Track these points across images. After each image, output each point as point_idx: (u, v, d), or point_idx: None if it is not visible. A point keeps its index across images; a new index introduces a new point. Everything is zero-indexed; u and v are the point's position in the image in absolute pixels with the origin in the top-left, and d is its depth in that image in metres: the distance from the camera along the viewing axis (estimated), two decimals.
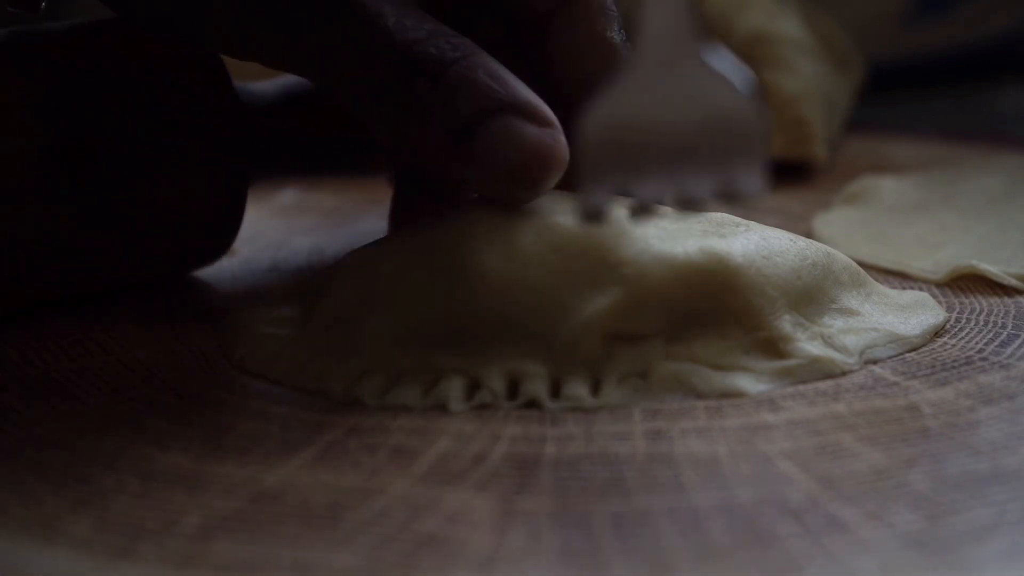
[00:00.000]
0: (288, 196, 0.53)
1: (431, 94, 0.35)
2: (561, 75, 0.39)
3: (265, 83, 0.44)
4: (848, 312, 0.36)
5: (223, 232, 0.41)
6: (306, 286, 0.38)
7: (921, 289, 0.40)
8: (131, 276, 0.40)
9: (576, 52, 0.39)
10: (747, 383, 0.33)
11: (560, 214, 0.35)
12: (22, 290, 0.38)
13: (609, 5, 0.39)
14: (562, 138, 0.35)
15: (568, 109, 0.39)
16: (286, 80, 0.45)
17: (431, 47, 0.35)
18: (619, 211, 0.35)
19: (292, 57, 0.37)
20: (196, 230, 0.40)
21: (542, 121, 0.35)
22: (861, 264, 0.39)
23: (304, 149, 0.44)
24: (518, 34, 0.40)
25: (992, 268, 0.41)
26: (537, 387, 0.33)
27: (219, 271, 0.44)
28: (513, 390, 0.33)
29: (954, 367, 0.35)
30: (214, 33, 0.37)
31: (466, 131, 0.34)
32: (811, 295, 0.35)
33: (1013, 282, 0.40)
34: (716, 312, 0.34)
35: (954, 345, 0.36)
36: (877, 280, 0.39)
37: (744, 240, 0.35)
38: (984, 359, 0.35)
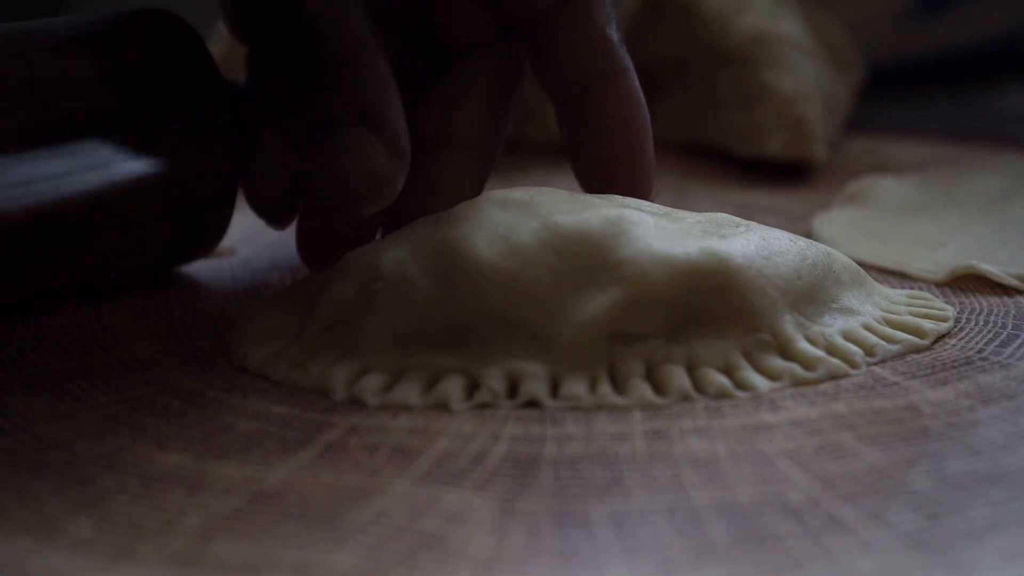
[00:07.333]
0: None
1: (316, 87, 0.35)
2: (559, 72, 0.39)
3: None
4: (848, 312, 0.36)
5: (214, 219, 0.41)
6: (306, 286, 0.38)
7: (921, 289, 0.40)
8: (124, 263, 0.40)
9: (576, 50, 0.39)
10: (747, 383, 0.33)
11: (560, 214, 0.35)
12: (14, 276, 0.38)
13: (608, 3, 0.39)
14: (403, 176, 0.35)
15: (564, 106, 0.39)
16: None
17: (334, 35, 0.35)
18: (620, 211, 0.35)
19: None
20: (186, 217, 0.40)
21: (395, 150, 0.34)
22: (861, 264, 0.39)
23: None
24: (511, 32, 0.40)
25: (992, 268, 0.41)
26: (537, 387, 0.33)
27: (219, 271, 0.44)
28: (513, 390, 0.33)
29: (954, 367, 0.35)
30: None
31: (322, 132, 0.34)
32: (811, 295, 0.35)
33: (1013, 282, 0.40)
34: (716, 312, 0.34)
35: (954, 345, 0.36)
36: (877, 280, 0.39)
37: (744, 240, 0.35)
38: (984, 359, 0.35)
